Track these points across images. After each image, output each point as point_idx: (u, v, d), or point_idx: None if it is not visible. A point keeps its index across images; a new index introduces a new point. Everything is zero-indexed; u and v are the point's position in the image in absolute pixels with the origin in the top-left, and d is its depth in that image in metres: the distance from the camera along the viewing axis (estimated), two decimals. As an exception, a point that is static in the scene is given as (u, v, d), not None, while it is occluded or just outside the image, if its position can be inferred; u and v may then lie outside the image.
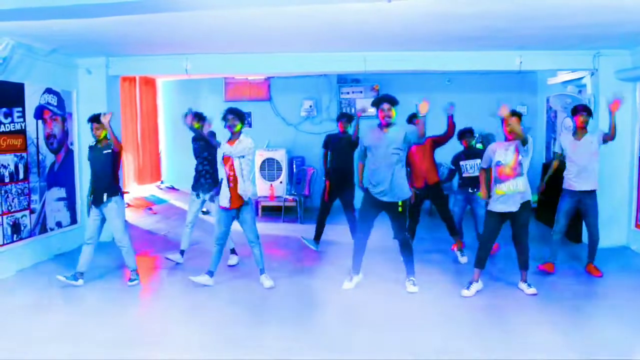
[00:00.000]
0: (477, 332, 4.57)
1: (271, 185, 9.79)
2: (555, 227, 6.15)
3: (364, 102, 10.26)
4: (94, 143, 5.76)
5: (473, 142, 6.93)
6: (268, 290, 5.64)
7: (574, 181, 5.95)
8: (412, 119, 6.58)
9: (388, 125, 5.41)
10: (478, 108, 9.80)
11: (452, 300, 5.32)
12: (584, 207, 6.03)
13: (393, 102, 5.43)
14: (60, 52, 6.91)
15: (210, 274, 5.74)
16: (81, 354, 4.19)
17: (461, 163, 6.84)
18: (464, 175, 6.82)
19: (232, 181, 5.60)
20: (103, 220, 5.80)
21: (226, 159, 5.62)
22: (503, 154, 5.33)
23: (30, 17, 4.99)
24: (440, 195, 6.74)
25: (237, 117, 5.66)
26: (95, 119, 5.66)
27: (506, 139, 5.39)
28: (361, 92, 10.43)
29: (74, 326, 4.71)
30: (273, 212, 9.85)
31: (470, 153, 6.82)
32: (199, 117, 6.30)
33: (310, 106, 10.50)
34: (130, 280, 5.84)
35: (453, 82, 10.34)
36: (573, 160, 5.95)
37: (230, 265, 6.53)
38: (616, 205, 7.23)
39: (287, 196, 9.63)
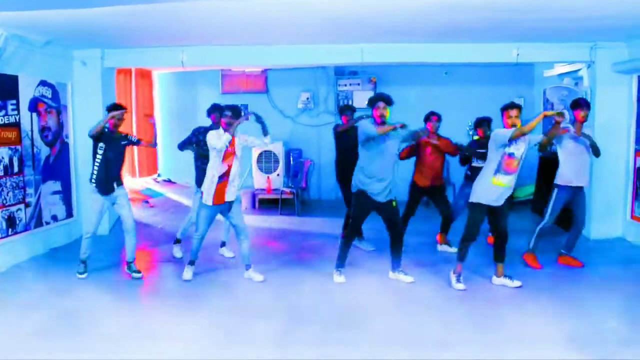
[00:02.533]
0: (471, 325, 4.58)
1: (268, 177, 9.76)
2: (547, 222, 6.09)
3: (361, 95, 10.28)
4: (108, 130, 5.70)
5: (489, 132, 6.79)
6: (264, 284, 5.62)
7: (573, 177, 5.92)
8: (428, 117, 6.61)
9: (383, 123, 5.37)
10: (475, 100, 9.81)
11: (447, 292, 5.33)
12: (577, 201, 6.03)
13: (388, 101, 5.42)
14: (55, 44, 6.86)
15: (192, 262, 5.77)
16: (77, 348, 4.17)
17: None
18: (473, 165, 6.67)
19: (227, 176, 5.55)
20: (103, 212, 5.82)
21: (230, 153, 5.55)
22: (515, 146, 5.23)
23: (24, 7, 4.95)
24: (443, 194, 6.77)
25: (234, 115, 5.58)
26: (117, 107, 5.72)
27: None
28: (359, 84, 10.40)
29: (69, 320, 4.70)
30: (270, 205, 9.84)
31: (484, 144, 6.58)
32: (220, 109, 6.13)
33: (308, 98, 10.47)
34: (135, 272, 5.83)
35: (450, 74, 10.33)
36: (574, 155, 5.91)
37: (228, 258, 6.53)
38: (612, 197, 7.25)
39: (285, 189, 9.61)
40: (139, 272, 5.83)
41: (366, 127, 5.34)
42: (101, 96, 7.49)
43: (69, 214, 7.35)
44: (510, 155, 5.22)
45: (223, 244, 6.71)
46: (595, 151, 5.96)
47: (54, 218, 7.03)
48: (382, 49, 7.40)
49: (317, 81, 10.54)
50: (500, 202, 5.30)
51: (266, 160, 9.79)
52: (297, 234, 7.55)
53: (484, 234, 6.11)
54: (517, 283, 5.41)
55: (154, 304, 5.33)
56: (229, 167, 5.57)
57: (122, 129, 5.84)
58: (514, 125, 5.19)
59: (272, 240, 7.54)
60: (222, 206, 5.63)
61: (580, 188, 5.99)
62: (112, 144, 5.71)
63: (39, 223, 6.72)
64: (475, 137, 6.92)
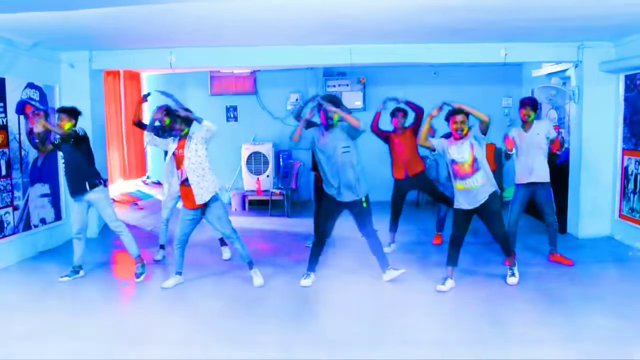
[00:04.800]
0: (469, 323, 4.60)
1: (258, 179, 9.75)
2: (509, 219, 6.06)
3: (350, 95, 10.28)
4: (57, 139, 5.69)
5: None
6: (259, 286, 5.58)
7: (526, 174, 5.96)
8: (394, 113, 6.61)
9: (331, 126, 5.37)
10: (464, 100, 9.68)
11: (439, 293, 5.33)
12: (538, 198, 6.06)
13: (336, 102, 5.39)
14: (42, 46, 6.81)
15: (179, 274, 5.63)
16: (62, 351, 4.14)
17: None
18: None
19: (188, 180, 5.34)
20: (83, 213, 5.77)
21: (180, 157, 5.33)
22: (456, 151, 5.20)
23: (10, 9, 4.91)
24: (427, 183, 6.75)
25: (185, 123, 5.35)
26: (63, 110, 5.65)
27: (453, 137, 5.26)
28: (347, 85, 10.40)
29: (59, 323, 4.66)
30: (260, 206, 9.83)
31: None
32: (168, 111, 5.79)
33: (297, 100, 10.45)
34: (137, 275, 5.78)
35: (439, 75, 10.36)
36: (523, 152, 5.96)
37: (225, 260, 6.50)
38: (600, 196, 7.30)
39: (274, 190, 9.60)
40: (140, 274, 5.79)
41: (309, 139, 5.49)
42: (89, 98, 7.46)
43: (58, 217, 7.29)
44: (454, 162, 5.20)
45: (223, 243, 6.63)
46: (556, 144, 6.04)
47: (43, 221, 6.97)
48: (370, 50, 7.41)
49: (306, 82, 10.52)
50: (476, 205, 5.20)
51: (256, 161, 9.78)
52: (287, 235, 7.54)
53: (477, 235, 6.12)
54: (512, 280, 5.40)
55: (141, 306, 5.30)
56: (180, 170, 5.37)
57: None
58: (458, 130, 5.17)
59: (262, 242, 7.52)
60: (197, 211, 5.44)
61: (541, 184, 5.99)
62: (64, 149, 5.67)
63: (28, 226, 6.67)
64: None
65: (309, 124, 5.79)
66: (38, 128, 5.69)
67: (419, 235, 7.56)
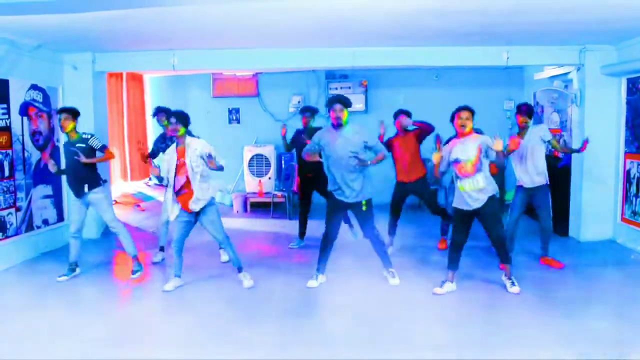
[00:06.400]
0: (468, 326, 4.60)
1: (260, 181, 9.77)
2: (509, 220, 6.21)
3: (352, 98, 10.28)
4: (67, 139, 5.75)
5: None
6: (258, 287, 5.59)
7: (524, 178, 6.06)
8: (397, 115, 6.61)
9: (339, 125, 5.38)
10: (466, 103, 9.79)
11: (439, 296, 5.32)
12: (537, 202, 6.11)
13: (345, 103, 5.38)
14: (45, 48, 6.84)
15: (178, 276, 5.63)
16: (68, 352, 4.14)
17: None
18: None
19: (187, 186, 5.32)
20: (81, 212, 5.81)
21: (181, 165, 5.30)
22: (460, 149, 5.18)
23: (14, 12, 4.92)
24: (426, 190, 6.71)
25: (179, 121, 5.27)
26: (65, 110, 5.68)
27: (458, 134, 5.28)
28: (349, 87, 10.42)
29: (60, 324, 4.67)
30: (262, 208, 9.84)
31: None
32: (167, 113, 6.09)
33: (299, 102, 10.48)
34: (133, 272, 5.82)
35: (441, 78, 10.37)
36: (519, 157, 6.07)
37: (223, 262, 6.49)
38: (602, 200, 7.29)
39: (276, 192, 9.61)
40: (137, 272, 5.83)
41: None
42: (92, 100, 7.49)
43: (60, 218, 7.31)
44: (456, 161, 5.17)
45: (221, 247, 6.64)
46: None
47: (45, 222, 6.99)
48: (372, 53, 7.43)
49: (308, 85, 10.54)
50: (476, 206, 5.17)
51: (257, 163, 9.79)
52: (289, 238, 7.54)
53: (477, 238, 6.10)
54: (515, 289, 5.31)
55: (141, 308, 5.31)
56: (187, 178, 5.31)
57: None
58: (462, 127, 5.17)
59: (264, 244, 7.53)
60: (192, 214, 5.42)
61: (539, 188, 6.05)
62: (66, 149, 5.72)
63: (30, 227, 6.69)
64: None
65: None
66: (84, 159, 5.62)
67: (419, 238, 7.55)
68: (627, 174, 6.99)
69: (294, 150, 7.22)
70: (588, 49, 7.13)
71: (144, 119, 10.76)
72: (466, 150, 5.15)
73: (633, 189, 6.85)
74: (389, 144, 6.60)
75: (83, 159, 5.59)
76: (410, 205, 7.05)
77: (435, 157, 5.25)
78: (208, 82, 10.62)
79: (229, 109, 10.71)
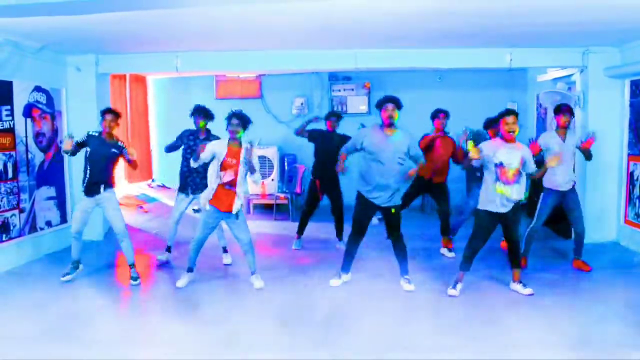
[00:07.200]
0: (471, 329, 4.59)
1: (263, 182, 9.76)
2: (535, 224, 6.13)
3: (355, 100, 10.32)
4: (98, 134, 5.70)
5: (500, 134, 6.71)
6: (262, 289, 5.60)
7: (560, 181, 5.95)
8: (436, 114, 6.71)
9: (390, 125, 5.32)
10: (469, 105, 9.82)
11: (445, 297, 5.32)
12: (567, 204, 6.05)
13: (397, 103, 5.34)
14: (49, 50, 6.86)
15: (190, 270, 5.70)
16: (69, 353, 4.15)
17: None
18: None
19: (233, 186, 5.45)
20: (87, 212, 5.79)
21: (228, 164, 5.43)
22: (506, 154, 5.11)
23: (18, 14, 4.94)
24: (444, 192, 6.77)
25: (241, 123, 5.56)
26: (112, 112, 5.74)
27: (505, 139, 5.20)
28: (352, 89, 10.43)
29: (63, 326, 4.67)
30: (264, 210, 9.84)
31: None
32: (206, 114, 6.49)
33: (302, 104, 10.49)
34: (133, 279, 5.80)
35: (444, 80, 10.37)
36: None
37: (225, 265, 6.51)
38: (606, 201, 7.29)
39: (279, 194, 9.62)
40: (136, 278, 5.80)
41: (353, 138, 5.62)
42: (96, 102, 7.49)
43: (63, 219, 7.32)
44: (501, 164, 5.11)
45: (225, 250, 6.66)
46: (587, 155, 6.05)
47: (48, 224, 7.01)
48: (375, 55, 7.43)
49: (311, 86, 10.55)
50: (505, 210, 5.18)
51: (261, 165, 9.76)
52: (292, 239, 7.54)
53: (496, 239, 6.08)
54: (528, 290, 5.30)
55: (146, 310, 5.32)
56: (235, 175, 5.43)
57: (116, 134, 5.81)
58: (511, 132, 5.11)
59: (267, 246, 7.53)
60: (227, 215, 5.52)
61: (571, 190, 6.01)
62: (98, 148, 5.66)
63: (33, 229, 6.70)
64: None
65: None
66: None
67: (423, 241, 7.53)
68: (631, 176, 6.97)
69: (296, 153, 7.25)
70: (591, 51, 7.12)
71: (147, 120, 10.78)
72: (511, 157, 5.10)
73: (636, 191, 6.83)
74: (429, 142, 6.58)
75: (132, 162, 5.73)
76: (411, 207, 7.02)
77: (473, 151, 5.06)
78: (211, 83, 10.64)
79: (232, 110, 10.69)
